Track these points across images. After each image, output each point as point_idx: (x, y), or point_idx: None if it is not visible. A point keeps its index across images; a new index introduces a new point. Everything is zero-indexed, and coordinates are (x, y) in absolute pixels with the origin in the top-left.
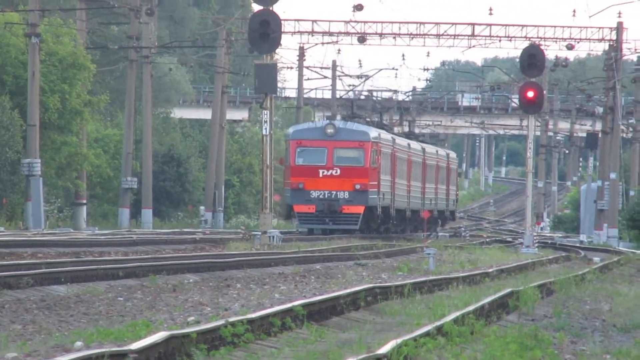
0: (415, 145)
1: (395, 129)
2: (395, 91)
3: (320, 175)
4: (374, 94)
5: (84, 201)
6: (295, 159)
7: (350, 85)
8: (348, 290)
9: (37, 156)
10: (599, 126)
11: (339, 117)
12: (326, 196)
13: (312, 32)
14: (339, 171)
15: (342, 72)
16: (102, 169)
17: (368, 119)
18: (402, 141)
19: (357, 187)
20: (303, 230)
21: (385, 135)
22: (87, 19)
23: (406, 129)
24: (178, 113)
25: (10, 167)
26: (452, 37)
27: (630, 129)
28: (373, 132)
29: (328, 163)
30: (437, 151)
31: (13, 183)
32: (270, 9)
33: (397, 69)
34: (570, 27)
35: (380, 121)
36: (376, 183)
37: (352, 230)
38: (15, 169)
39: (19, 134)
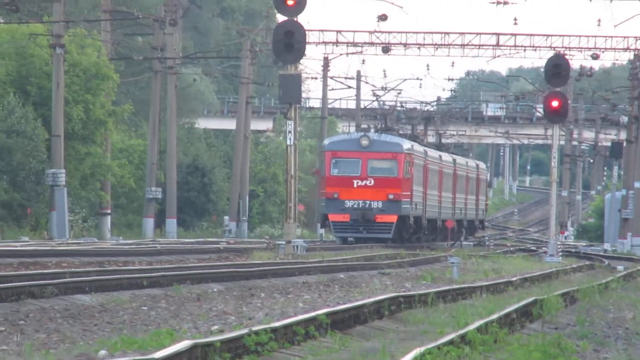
0: (446, 156)
1: (425, 140)
2: (421, 102)
3: (355, 185)
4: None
5: (109, 211)
6: (331, 169)
7: (375, 95)
8: (372, 299)
9: (61, 166)
10: (623, 135)
11: (372, 129)
12: (360, 206)
13: (337, 43)
14: (372, 181)
15: (367, 82)
16: (126, 179)
17: (401, 132)
18: (433, 153)
19: (391, 197)
20: (327, 240)
21: (417, 147)
22: (111, 29)
23: (432, 139)
24: (202, 123)
25: (35, 177)
26: (477, 47)
27: None
28: (406, 144)
29: (362, 174)
30: (467, 162)
31: (37, 193)
32: (295, 19)
33: (421, 79)
34: (595, 36)
35: (413, 133)
36: (409, 193)
37: (386, 239)
38: (39, 179)
39: (42, 144)
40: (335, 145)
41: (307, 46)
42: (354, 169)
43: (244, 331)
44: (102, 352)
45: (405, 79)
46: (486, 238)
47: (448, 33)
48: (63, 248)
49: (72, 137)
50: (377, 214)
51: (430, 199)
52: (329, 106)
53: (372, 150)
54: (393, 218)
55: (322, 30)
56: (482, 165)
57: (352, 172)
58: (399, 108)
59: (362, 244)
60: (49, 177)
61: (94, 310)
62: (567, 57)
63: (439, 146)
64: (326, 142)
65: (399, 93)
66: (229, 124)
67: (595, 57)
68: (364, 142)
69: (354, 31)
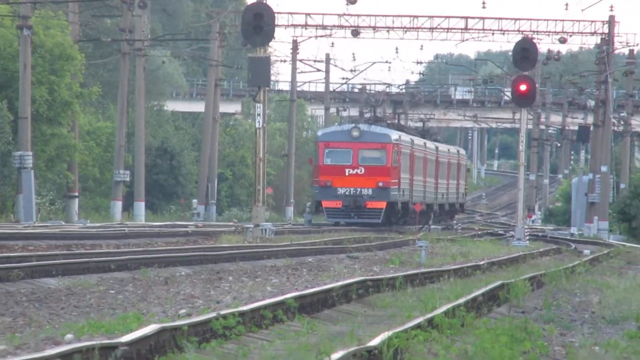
0: (430, 144)
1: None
2: (389, 85)
3: (347, 173)
4: (367, 87)
5: (76, 194)
6: (324, 159)
7: (343, 78)
8: (340, 283)
9: (28, 149)
10: (590, 119)
11: (362, 120)
12: (352, 193)
13: (306, 26)
14: (363, 170)
15: (336, 65)
16: (89, 168)
17: (389, 122)
18: (419, 141)
19: (380, 184)
20: (296, 223)
21: (404, 137)
22: (79, 11)
23: (394, 121)
24: (171, 106)
25: (1, 159)
26: (446, 30)
27: (622, 122)
28: (394, 135)
29: (353, 163)
30: (448, 149)
31: (4, 175)
32: (264, 1)
33: (390, 62)
34: (563, 20)
35: (399, 123)
36: (397, 181)
37: (375, 224)
38: (5, 162)
39: (8, 125)
40: (328, 136)
41: (276, 29)
42: (346, 158)
43: (212, 315)
44: (69, 336)
45: (374, 62)
46: (454, 222)
47: (417, 16)
48: (30, 231)
49: (38, 118)
50: (368, 201)
51: (416, 185)
52: (298, 89)
53: (362, 140)
54: (382, 204)
55: (291, 13)
56: (462, 151)
57: (344, 161)
58: (367, 91)
59: (332, 228)
60: (15, 159)
61: (61, 294)
62: (535, 41)
63: (423, 134)
64: (319, 133)
65: (360, 73)
66: (198, 107)
67: (562, 41)
68: (355, 133)
69: (323, 14)
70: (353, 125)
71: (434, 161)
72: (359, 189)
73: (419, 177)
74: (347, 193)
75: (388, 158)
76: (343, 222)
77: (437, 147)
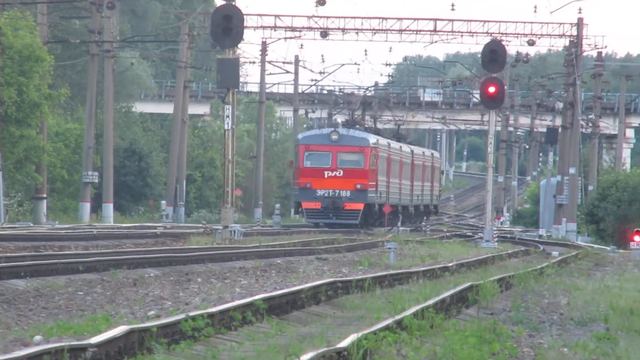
0: (405, 147)
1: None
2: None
3: (326, 176)
4: (336, 89)
5: (44, 195)
6: (304, 161)
7: (312, 80)
8: (309, 285)
9: None
10: (559, 121)
11: (340, 122)
12: (330, 194)
13: (275, 27)
14: (342, 172)
15: (305, 67)
16: (57, 170)
17: (366, 126)
18: (395, 144)
19: (358, 186)
20: (265, 225)
21: (382, 140)
22: (47, 12)
23: (371, 125)
24: (140, 107)
25: None
26: (415, 32)
27: (590, 125)
28: (372, 138)
29: (332, 165)
30: (423, 152)
31: None
32: (233, 3)
33: (359, 64)
34: (532, 22)
35: (376, 127)
36: (374, 183)
37: (354, 225)
38: None
39: None
40: (308, 140)
41: (245, 30)
42: (325, 161)
43: (181, 316)
44: (37, 338)
45: (343, 64)
46: (423, 223)
47: (386, 18)
48: None
49: (6, 120)
50: (346, 202)
51: (392, 187)
52: (267, 91)
53: (341, 144)
54: (360, 206)
55: (260, 15)
56: (436, 154)
57: (323, 164)
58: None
59: (304, 229)
60: None
61: (29, 295)
62: (503, 43)
63: (399, 138)
64: (300, 136)
65: (329, 75)
66: (167, 108)
67: (531, 43)
68: (334, 136)
69: (292, 16)
70: (332, 129)
71: (409, 164)
72: (337, 191)
73: (395, 179)
74: (326, 195)
75: (366, 161)
76: (322, 224)
77: (412, 151)
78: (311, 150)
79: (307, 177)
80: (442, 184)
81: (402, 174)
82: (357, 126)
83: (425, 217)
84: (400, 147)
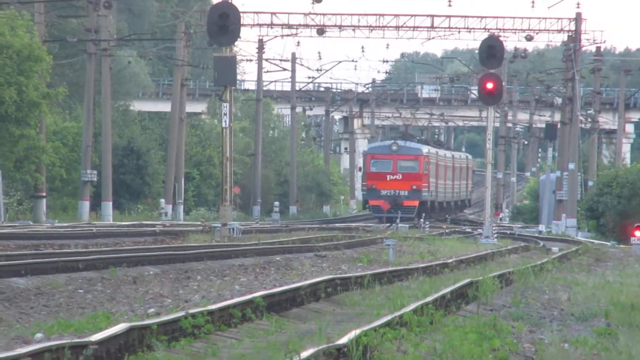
0: (448, 153)
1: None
2: (356, 84)
3: (388, 179)
4: (334, 86)
5: (44, 194)
6: (370, 167)
7: (309, 77)
8: (308, 282)
9: None
10: (557, 117)
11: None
12: (392, 194)
13: (272, 25)
14: (401, 176)
15: (302, 64)
16: (56, 169)
17: (419, 138)
18: (441, 152)
19: (414, 187)
20: (263, 222)
21: (432, 149)
22: (45, 11)
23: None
24: (137, 106)
25: None
26: (412, 28)
27: (589, 120)
28: (425, 149)
29: (393, 170)
30: (460, 156)
31: None
32: (230, 1)
33: (356, 61)
34: (529, 18)
35: (426, 139)
36: (427, 184)
37: (411, 218)
38: None
39: None
40: (374, 150)
41: (242, 28)
42: (387, 167)
43: (181, 314)
44: (38, 335)
45: (340, 61)
46: (422, 220)
47: (383, 15)
48: None
49: (6, 119)
50: (404, 200)
51: (439, 187)
52: (264, 88)
53: (400, 153)
54: (415, 203)
55: (256, 12)
56: (469, 156)
57: (385, 169)
58: (333, 90)
59: (309, 226)
60: None
61: (30, 294)
62: (501, 38)
63: (442, 145)
64: (366, 148)
65: (326, 72)
66: (164, 107)
67: (529, 38)
68: (394, 147)
69: (288, 13)
70: (393, 141)
71: (451, 167)
72: (397, 191)
73: (442, 180)
74: (388, 194)
75: (420, 167)
76: (384, 217)
77: (452, 155)
78: (376, 159)
79: (373, 180)
80: (473, 180)
81: (446, 176)
82: (414, 138)
83: (461, 210)
84: (445, 154)
